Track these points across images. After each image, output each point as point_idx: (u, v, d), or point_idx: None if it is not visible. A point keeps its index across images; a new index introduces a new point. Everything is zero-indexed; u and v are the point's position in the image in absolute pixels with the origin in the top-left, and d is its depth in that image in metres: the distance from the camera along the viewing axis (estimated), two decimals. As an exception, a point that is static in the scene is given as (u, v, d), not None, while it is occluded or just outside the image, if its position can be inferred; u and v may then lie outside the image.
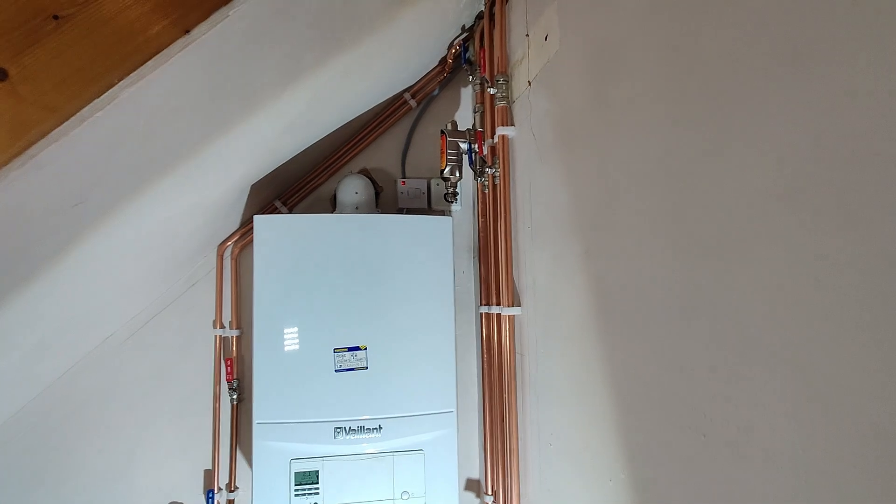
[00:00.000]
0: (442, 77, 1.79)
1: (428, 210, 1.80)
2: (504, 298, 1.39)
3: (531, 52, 1.25)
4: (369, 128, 1.78)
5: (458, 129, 1.61)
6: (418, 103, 1.81)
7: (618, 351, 0.89)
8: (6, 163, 0.72)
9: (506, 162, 1.41)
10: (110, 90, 0.74)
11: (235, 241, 1.72)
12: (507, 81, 1.40)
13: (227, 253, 1.72)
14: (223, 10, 0.77)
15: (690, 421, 0.69)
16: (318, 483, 1.37)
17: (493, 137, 1.47)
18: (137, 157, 0.94)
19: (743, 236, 0.60)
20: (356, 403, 1.41)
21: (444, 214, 1.80)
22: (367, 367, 1.41)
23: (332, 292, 1.43)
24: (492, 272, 1.51)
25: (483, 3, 1.58)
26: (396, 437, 1.42)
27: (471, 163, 1.62)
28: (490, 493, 1.56)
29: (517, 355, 1.38)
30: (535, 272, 1.26)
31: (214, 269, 1.72)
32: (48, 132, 0.73)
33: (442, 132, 1.62)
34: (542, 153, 1.20)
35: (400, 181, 1.79)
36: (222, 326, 1.71)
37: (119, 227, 1.12)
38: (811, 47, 0.51)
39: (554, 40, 1.12)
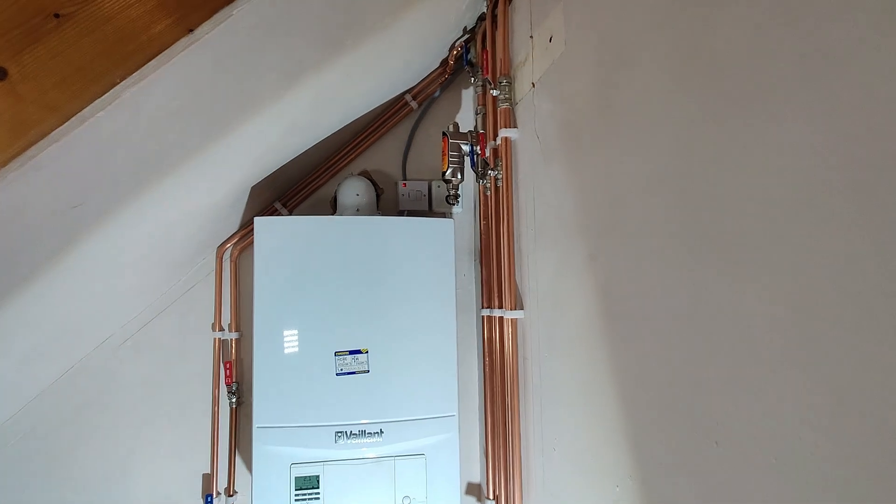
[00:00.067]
0: (443, 79, 1.78)
1: (429, 212, 1.79)
2: (507, 301, 1.38)
3: (535, 54, 1.25)
4: (370, 129, 1.77)
5: (460, 130, 1.60)
6: (419, 105, 1.80)
7: (625, 355, 0.88)
8: (5, 163, 0.71)
9: (509, 164, 1.40)
10: (112, 90, 0.72)
11: (235, 244, 1.70)
12: (509, 83, 1.40)
13: (227, 255, 1.71)
14: (227, 9, 0.76)
15: (702, 427, 0.68)
16: (318, 488, 1.36)
17: (495, 139, 1.46)
18: (138, 158, 0.93)
19: (755, 240, 0.59)
20: (357, 407, 1.39)
21: (445, 216, 1.79)
22: (368, 371, 1.40)
23: (333, 295, 1.42)
24: (494, 275, 1.50)
25: (485, 4, 1.58)
26: (398, 442, 1.40)
27: (473, 165, 1.61)
28: (492, 497, 1.55)
29: (520, 358, 1.37)
30: (539, 275, 1.25)
31: (213, 271, 1.70)
32: (48, 132, 0.72)
33: (444, 134, 1.61)
34: (547, 155, 1.19)
35: (401, 183, 1.78)
36: (221, 329, 1.69)
37: (118, 230, 1.10)
38: (833, 46, 0.50)
39: (559, 42, 1.11)
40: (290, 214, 1.72)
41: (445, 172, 1.61)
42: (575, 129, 1.06)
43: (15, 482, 1.58)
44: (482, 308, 1.65)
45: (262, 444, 1.36)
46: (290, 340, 1.40)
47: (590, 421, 1.01)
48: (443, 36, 1.61)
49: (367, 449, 1.39)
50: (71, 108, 0.74)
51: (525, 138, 1.33)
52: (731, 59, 0.63)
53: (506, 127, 1.39)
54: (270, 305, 1.40)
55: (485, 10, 1.59)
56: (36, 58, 0.73)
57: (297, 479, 1.36)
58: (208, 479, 1.67)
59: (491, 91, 1.45)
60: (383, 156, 1.81)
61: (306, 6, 0.94)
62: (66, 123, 0.72)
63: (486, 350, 1.59)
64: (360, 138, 1.76)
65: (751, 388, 0.60)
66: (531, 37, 1.27)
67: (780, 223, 0.56)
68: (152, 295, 1.64)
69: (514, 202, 1.40)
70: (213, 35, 0.75)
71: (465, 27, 1.66)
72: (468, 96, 1.85)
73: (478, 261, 1.79)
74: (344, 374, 1.39)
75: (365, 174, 1.78)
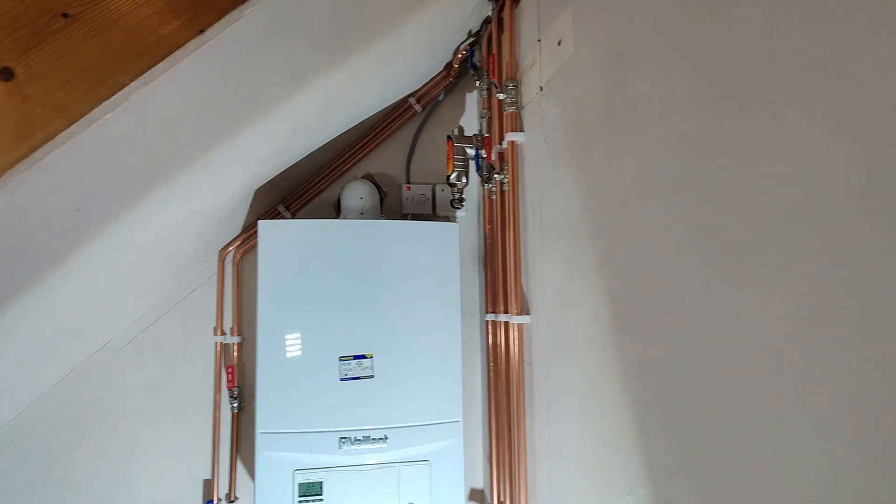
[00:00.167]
0: (447, 82, 1.77)
1: (433, 216, 1.78)
2: (512, 306, 1.37)
3: (543, 57, 1.24)
4: (374, 132, 1.76)
5: (465, 134, 1.59)
6: (423, 108, 1.79)
7: (636, 360, 0.87)
8: (11, 165, 0.70)
9: (515, 168, 1.39)
10: (121, 91, 0.71)
11: (237, 247, 1.69)
12: (516, 87, 1.39)
13: (229, 258, 1.69)
14: (238, 10, 0.75)
15: (718, 435, 0.67)
16: (322, 494, 1.34)
17: (501, 143, 1.45)
18: (144, 161, 0.92)
19: (766, 243, 0.59)
20: (362, 413, 1.38)
21: (449, 220, 1.78)
22: (372, 376, 1.39)
23: (336, 299, 1.40)
24: (499, 279, 1.49)
25: (491, 8, 1.57)
26: (402, 448, 1.39)
27: (478, 169, 1.60)
28: (496, 503, 1.54)
29: (525, 364, 1.36)
30: (546, 279, 1.24)
31: (216, 275, 1.69)
32: (56, 134, 0.71)
33: (448, 138, 1.60)
34: (555, 159, 1.18)
35: (405, 187, 1.77)
36: (223, 333, 1.68)
37: (121, 233, 1.09)
38: (841, 46, 0.49)
39: (568, 45, 1.10)
40: (294, 217, 1.71)
41: (450, 176, 1.61)
42: (584, 133, 1.05)
43: (15, 484, 1.56)
44: (487, 313, 1.64)
45: (265, 450, 1.34)
46: (294, 345, 1.38)
47: (599, 427, 1.00)
48: (448, 39, 1.61)
49: (371, 455, 1.37)
50: (78, 109, 0.72)
51: (532, 142, 1.33)
52: (740, 61, 0.63)
53: (512, 130, 1.38)
54: (274, 309, 1.38)
55: (490, 14, 1.58)
56: (43, 58, 0.72)
57: (300, 485, 1.34)
58: (209, 485, 1.65)
59: (497, 94, 1.45)
60: (387, 159, 1.80)
61: (315, 8, 0.93)
62: (74, 125, 0.71)
63: (490, 355, 1.58)
64: (363, 141, 1.75)
65: (766, 394, 0.59)
66: (539, 40, 1.26)
67: (791, 226, 0.56)
68: (154, 298, 1.62)
69: (520, 206, 1.39)
70: (223, 36, 0.74)
71: (470, 30, 1.65)
72: (472, 100, 1.84)
73: (482, 265, 1.77)
74: (348, 379, 1.38)
75: (368, 177, 1.77)
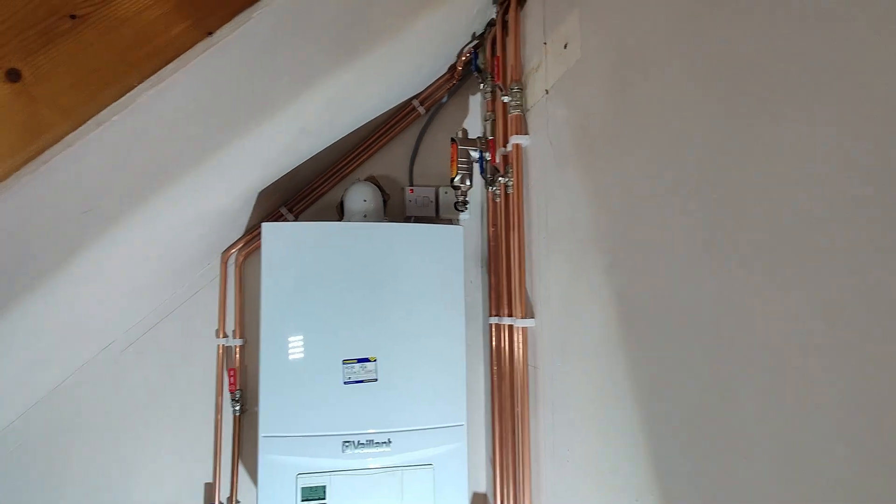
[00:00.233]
0: (451, 84, 1.77)
1: (436, 218, 1.78)
2: (517, 309, 1.37)
3: (548, 60, 1.24)
4: (377, 134, 1.75)
5: (469, 137, 1.59)
6: (427, 110, 1.79)
7: (645, 364, 0.87)
8: (18, 168, 0.69)
9: (519, 171, 1.39)
10: (129, 93, 0.71)
11: (240, 249, 1.68)
12: (521, 90, 1.39)
13: (231, 260, 1.69)
14: (247, 11, 0.74)
15: (732, 440, 0.67)
16: (325, 499, 1.33)
17: (506, 146, 1.45)
18: (150, 163, 0.91)
19: (782, 246, 0.58)
20: (365, 416, 1.37)
21: (452, 223, 1.78)
22: (376, 380, 1.38)
23: (340, 302, 1.40)
24: (503, 282, 1.48)
25: (495, 11, 1.57)
26: (406, 451, 1.38)
27: (482, 171, 1.60)
28: (499, 508, 1.53)
29: (530, 367, 1.36)
30: (551, 283, 1.24)
31: (218, 277, 1.68)
32: (63, 136, 0.70)
33: (453, 140, 1.60)
34: (561, 162, 1.18)
35: (408, 189, 1.76)
36: (225, 336, 1.67)
37: (126, 235, 1.08)
38: (859, 47, 0.49)
39: (575, 48, 1.10)
40: (296, 220, 1.70)
41: (454, 179, 1.60)
42: (592, 136, 1.05)
43: (15, 488, 1.54)
44: (490, 316, 1.63)
45: (268, 454, 1.34)
46: (297, 348, 1.38)
47: (606, 431, 1.00)
48: (452, 41, 1.61)
49: (375, 459, 1.37)
50: (86, 111, 0.72)
51: (537, 145, 1.32)
52: (749, 62, 0.63)
53: (517, 133, 1.38)
54: (277, 312, 1.37)
55: (494, 16, 1.59)
56: (50, 59, 0.71)
57: (303, 489, 1.33)
58: (211, 489, 1.64)
59: (502, 97, 1.44)
60: (390, 161, 1.79)
61: (322, 9, 0.93)
62: (82, 127, 0.70)
63: (493, 358, 1.57)
64: (366, 143, 1.74)
65: (783, 399, 0.59)
66: (545, 43, 1.26)
67: (804, 228, 0.55)
68: (156, 300, 1.61)
69: (525, 209, 1.39)
70: (232, 38, 0.74)
71: (474, 33, 1.66)
72: (475, 102, 1.84)
73: (485, 268, 1.77)
74: (352, 382, 1.37)
75: (371, 179, 1.77)
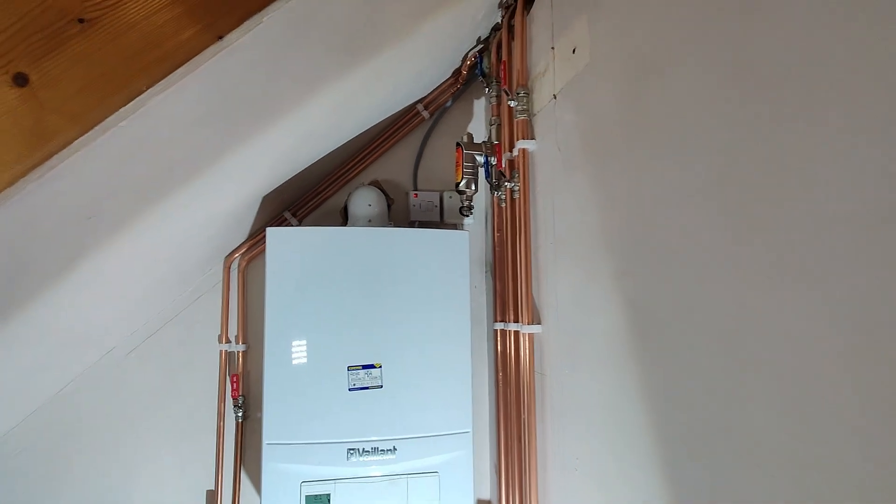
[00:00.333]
0: (455, 88, 1.77)
1: (440, 223, 1.77)
2: (523, 315, 1.35)
3: (556, 65, 1.23)
4: (381, 139, 1.74)
5: (474, 141, 1.58)
6: (431, 115, 1.78)
7: (658, 373, 0.86)
8: (24, 173, 0.68)
9: (526, 176, 1.38)
10: (138, 98, 0.70)
11: (243, 254, 1.67)
12: (527, 94, 1.38)
13: (235, 265, 1.67)
14: (257, 15, 0.73)
15: (748, 452, 0.66)
16: (329, 507, 1.32)
17: (511, 150, 1.44)
18: (156, 168, 0.90)
19: (804, 254, 0.57)
20: (370, 423, 1.36)
21: (456, 228, 1.77)
22: (381, 386, 1.37)
23: (345, 307, 1.39)
24: (509, 288, 1.47)
25: (500, 15, 1.57)
26: (411, 459, 1.37)
27: (487, 176, 1.59)
28: (505, 515, 1.51)
29: (537, 374, 1.34)
30: (559, 289, 1.23)
31: (221, 282, 1.67)
32: (70, 141, 0.69)
33: (458, 144, 1.59)
34: (569, 168, 1.17)
35: (412, 194, 1.75)
36: (228, 341, 1.65)
37: (130, 240, 1.07)
38: (886, 49, 0.48)
39: (583, 53, 1.09)
40: (300, 224, 1.69)
41: (460, 183, 1.59)
42: (602, 141, 1.04)
43: (16, 493, 1.53)
44: (495, 321, 1.62)
45: (271, 462, 1.32)
46: (301, 354, 1.36)
47: (617, 441, 0.98)
48: (457, 45, 1.60)
49: (380, 466, 1.35)
50: (93, 116, 0.71)
51: (544, 149, 1.31)
52: (774, 65, 0.61)
53: (523, 138, 1.37)
54: (282, 317, 1.36)
55: (499, 21, 1.58)
56: (58, 64, 0.70)
57: (307, 497, 1.32)
58: (213, 496, 1.62)
59: (508, 102, 1.43)
60: (394, 166, 1.78)
61: (332, 13, 0.92)
62: (90, 132, 0.69)
63: (498, 364, 1.56)
64: (371, 147, 1.74)
65: (805, 412, 0.58)
66: (552, 48, 1.25)
67: (832, 236, 0.54)
68: (158, 306, 1.60)
69: (531, 214, 1.38)
70: (242, 42, 0.73)
71: (479, 37, 1.65)
72: (480, 106, 1.84)
73: (489, 273, 1.76)
74: (357, 389, 1.36)
75: (376, 184, 1.76)
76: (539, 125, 1.35)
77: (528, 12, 1.42)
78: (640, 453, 0.90)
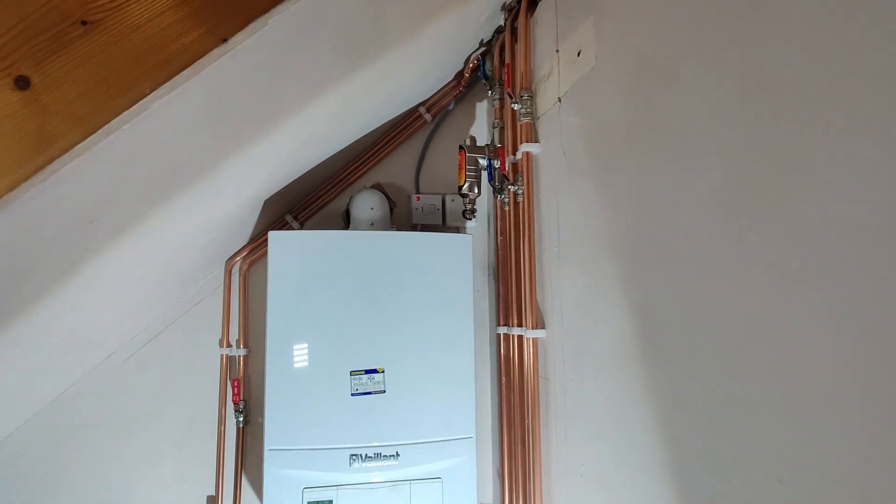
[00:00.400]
0: (457, 91, 1.76)
1: (443, 226, 1.76)
2: (527, 320, 1.35)
3: (561, 68, 1.22)
4: (383, 142, 1.74)
5: (477, 144, 1.57)
6: (433, 117, 1.77)
7: (667, 380, 0.85)
8: (27, 178, 0.67)
9: (530, 179, 1.37)
10: (141, 101, 0.69)
11: (244, 257, 1.66)
12: (531, 97, 1.37)
13: (236, 269, 1.66)
14: (262, 18, 0.73)
15: (761, 462, 0.65)
16: (331, 513, 1.30)
17: (515, 154, 1.43)
18: (159, 171, 0.89)
19: (816, 261, 0.56)
20: (373, 429, 1.34)
21: (459, 231, 1.76)
22: (384, 391, 1.36)
23: (348, 312, 1.38)
24: (512, 292, 1.46)
25: (503, 17, 1.56)
26: (414, 465, 1.36)
27: (490, 179, 1.58)
28: (508, 521, 1.50)
29: (541, 379, 1.33)
30: (563, 294, 1.22)
31: (222, 286, 1.66)
32: (72, 145, 0.68)
33: (461, 147, 1.58)
34: (574, 171, 1.16)
35: (415, 197, 1.74)
36: (229, 345, 1.64)
37: (132, 244, 1.06)
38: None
39: (589, 56, 1.09)
40: (302, 227, 1.68)
41: (462, 186, 1.59)
42: (608, 144, 1.03)
43: (15, 499, 1.51)
44: (498, 326, 1.61)
45: (273, 467, 1.31)
46: (303, 358, 1.35)
47: (623, 448, 0.97)
48: (460, 48, 1.59)
49: (383, 472, 1.34)
50: (97, 119, 0.70)
51: (548, 153, 1.31)
52: (784, 69, 0.61)
53: (527, 141, 1.36)
54: (284, 322, 1.35)
55: (502, 23, 1.57)
56: (60, 67, 0.69)
57: (309, 503, 1.30)
58: (213, 501, 1.61)
59: (512, 105, 1.43)
60: (396, 169, 1.78)
61: (335, 16, 0.91)
62: (92, 136, 0.68)
63: (501, 369, 1.55)
64: (373, 150, 1.73)
65: (819, 420, 0.57)
66: (557, 50, 1.24)
67: (844, 243, 0.53)
68: (159, 309, 1.59)
69: (535, 218, 1.37)
70: (247, 44, 0.72)
71: (482, 39, 1.64)
72: (482, 109, 1.83)
73: (492, 276, 1.75)
74: (359, 394, 1.35)
75: (377, 187, 1.75)
76: (543, 128, 1.34)
77: (532, 14, 1.41)
78: (646, 458, 0.89)
